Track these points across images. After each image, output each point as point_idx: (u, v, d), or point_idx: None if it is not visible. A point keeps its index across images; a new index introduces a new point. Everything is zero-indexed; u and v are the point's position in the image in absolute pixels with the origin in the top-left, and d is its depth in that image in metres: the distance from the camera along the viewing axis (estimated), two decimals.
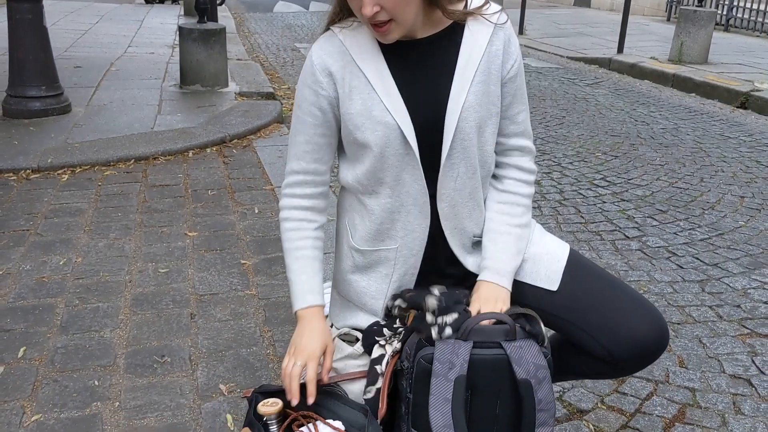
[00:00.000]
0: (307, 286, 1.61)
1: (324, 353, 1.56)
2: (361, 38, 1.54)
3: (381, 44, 1.53)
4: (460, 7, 1.53)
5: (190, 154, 4.64)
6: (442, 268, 1.62)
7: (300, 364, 1.52)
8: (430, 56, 1.54)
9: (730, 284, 3.00)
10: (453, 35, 1.55)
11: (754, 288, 2.97)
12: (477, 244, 1.64)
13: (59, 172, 4.18)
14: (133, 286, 2.84)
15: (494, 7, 1.58)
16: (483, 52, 1.53)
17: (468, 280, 1.63)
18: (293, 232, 1.64)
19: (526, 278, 1.62)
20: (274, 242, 3.30)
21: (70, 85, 5.83)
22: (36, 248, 3.16)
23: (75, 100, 5.45)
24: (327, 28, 1.60)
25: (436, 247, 1.61)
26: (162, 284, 2.86)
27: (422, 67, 1.54)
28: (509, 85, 1.59)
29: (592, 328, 1.53)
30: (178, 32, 6.21)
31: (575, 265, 1.61)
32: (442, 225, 1.58)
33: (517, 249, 1.61)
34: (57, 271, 2.94)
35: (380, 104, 1.49)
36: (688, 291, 2.93)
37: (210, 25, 6.15)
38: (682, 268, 3.15)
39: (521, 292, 1.61)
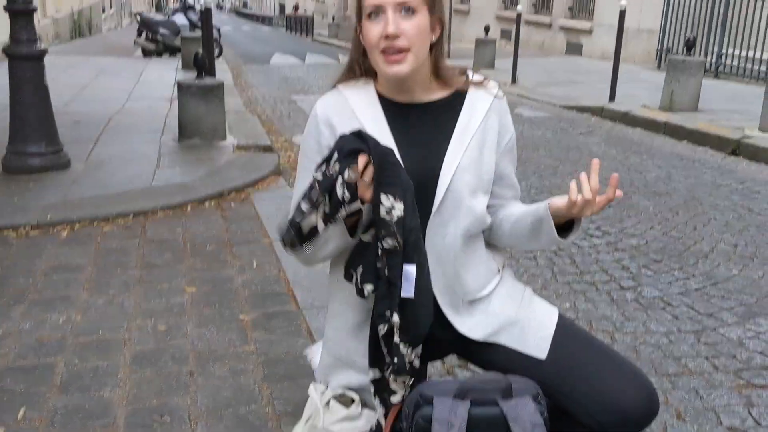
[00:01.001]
0: None
1: None
2: (364, 96, 1.63)
3: (382, 104, 1.61)
4: (463, 79, 1.66)
5: (189, 208, 4.68)
6: (432, 330, 1.63)
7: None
8: (430, 119, 1.62)
9: (726, 334, 3.02)
10: (454, 102, 1.64)
11: (749, 338, 2.99)
12: (468, 306, 1.67)
13: (58, 228, 4.21)
14: (132, 343, 2.85)
15: (493, 83, 1.69)
16: (481, 121, 1.63)
17: (460, 343, 1.66)
18: None
19: (515, 345, 1.64)
20: (272, 297, 3.33)
21: (69, 140, 5.89)
22: (36, 306, 3.17)
23: (74, 156, 5.52)
24: (334, 86, 1.69)
25: None
26: (161, 341, 2.87)
27: (420, 129, 1.61)
28: (508, 155, 1.70)
29: (580, 397, 1.54)
30: (176, 87, 6.31)
31: (563, 332, 1.64)
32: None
33: None
34: (57, 330, 2.95)
35: None
36: (684, 342, 2.95)
37: (208, 81, 6.27)
38: (678, 318, 3.17)
39: (510, 358, 1.63)
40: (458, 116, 1.62)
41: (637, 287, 3.52)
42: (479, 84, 1.67)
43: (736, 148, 6.69)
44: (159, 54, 15.03)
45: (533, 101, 9.79)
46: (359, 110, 1.61)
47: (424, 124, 1.62)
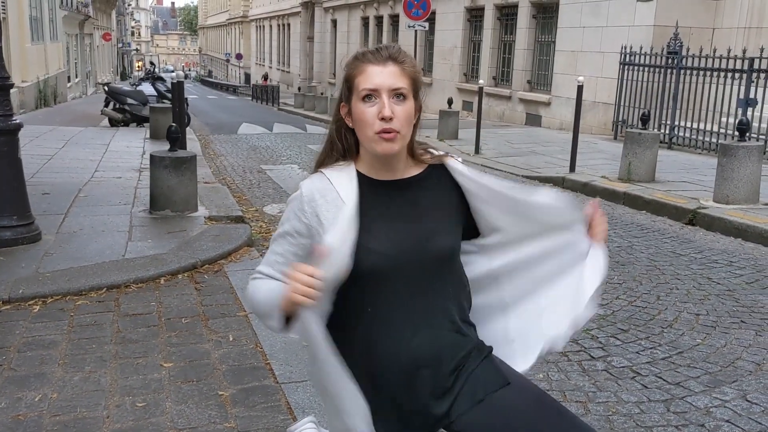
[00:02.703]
0: None
1: None
2: (346, 176, 1.71)
3: (365, 182, 1.71)
4: (429, 155, 1.78)
5: (162, 281, 4.69)
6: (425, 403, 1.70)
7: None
8: (410, 193, 1.74)
9: (694, 403, 3.12)
10: (431, 176, 1.76)
11: (716, 406, 3.09)
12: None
13: (30, 303, 4.19)
14: (111, 421, 2.84)
15: (455, 156, 1.83)
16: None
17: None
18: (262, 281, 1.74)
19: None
20: (250, 371, 3.34)
21: (39, 212, 5.89)
22: (10, 384, 3.14)
23: (45, 228, 5.51)
24: (316, 170, 1.77)
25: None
26: (140, 419, 2.86)
27: (402, 203, 1.72)
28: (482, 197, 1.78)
29: None
30: (149, 160, 6.37)
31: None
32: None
33: None
34: (33, 408, 2.92)
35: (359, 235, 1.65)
36: (654, 411, 3.04)
37: (181, 153, 6.36)
38: (647, 387, 3.27)
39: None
40: (436, 188, 1.75)
41: (606, 357, 3.62)
42: (444, 157, 1.79)
43: (693, 218, 6.95)
44: (126, 124, 15.08)
45: (497, 171, 10.06)
46: (342, 190, 1.70)
47: (406, 198, 1.73)
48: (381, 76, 1.63)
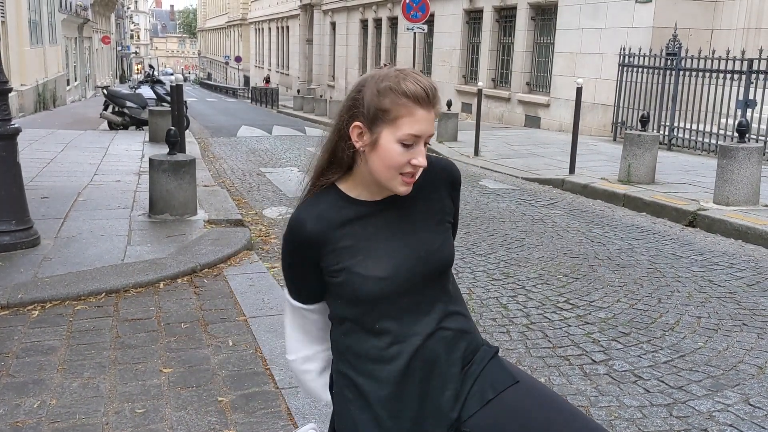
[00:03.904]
0: None
1: None
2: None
3: (358, 205, 1.65)
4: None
5: (161, 285, 4.67)
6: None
7: None
8: (401, 209, 1.69)
9: (696, 407, 3.10)
10: (420, 187, 1.69)
11: (718, 410, 3.08)
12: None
13: (29, 308, 4.17)
14: (110, 428, 2.82)
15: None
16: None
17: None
18: None
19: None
20: (249, 377, 3.33)
21: (38, 216, 5.88)
22: (9, 390, 3.12)
23: (44, 232, 5.49)
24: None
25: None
26: (139, 426, 2.85)
27: (392, 220, 1.68)
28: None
29: None
30: (148, 164, 6.36)
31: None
32: None
33: None
34: (31, 415, 2.91)
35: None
36: (657, 416, 3.03)
37: (180, 157, 6.34)
38: (649, 392, 3.26)
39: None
40: (428, 194, 1.70)
41: (608, 361, 3.61)
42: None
43: (693, 220, 6.94)
44: (125, 127, 15.08)
45: (496, 173, 10.05)
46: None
47: (398, 213, 1.69)
48: (427, 124, 1.57)
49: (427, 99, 1.57)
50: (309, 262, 1.65)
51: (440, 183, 1.73)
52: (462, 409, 1.66)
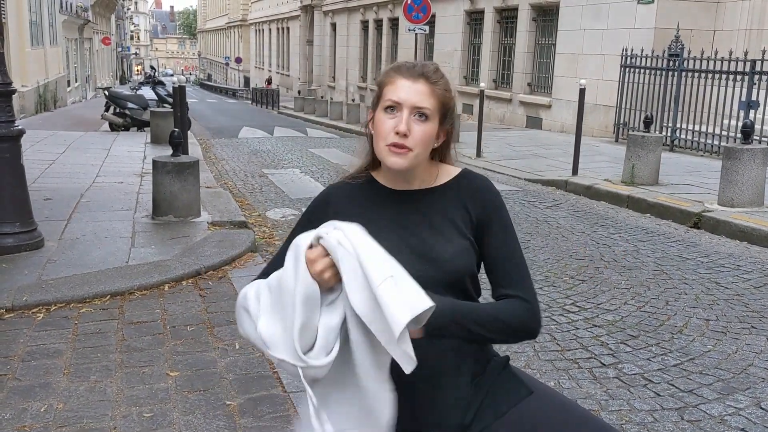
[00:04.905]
0: None
1: None
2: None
3: (382, 192, 1.71)
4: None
5: (166, 288, 4.65)
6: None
7: None
8: (424, 206, 1.70)
9: (707, 411, 3.08)
10: (442, 190, 1.72)
11: (730, 414, 3.05)
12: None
13: (34, 310, 4.14)
14: None
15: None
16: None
17: None
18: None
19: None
20: (257, 380, 3.31)
21: (41, 218, 5.85)
22: (15, 394, 3.10)
23: (47, 234, 5.47)
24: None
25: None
26: (148, 430, 2.82)
27: (416, 214, 1.69)
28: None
29: None
30: (152, 165, 6.34)
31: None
32: None
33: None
34: (38, 419, 2.88)
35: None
36: (668, 420, 3.00)
37: (184, 158, 6.32)
38: (660, 395, 3.23)
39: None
40: (448, 201, 1.70)
41: (617, 364, 3.58)
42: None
43: (698, 222, 6.92)
44: (127, 128, 15.06)
45: (499, 174, 10.02)
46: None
47: (418, 210, 1.69)
48: (407, 91, 1.62)
49: (411, 68, 1.66)
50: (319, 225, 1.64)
51: (467, 197, 1.71)
52: (475, 420, 1.64)
